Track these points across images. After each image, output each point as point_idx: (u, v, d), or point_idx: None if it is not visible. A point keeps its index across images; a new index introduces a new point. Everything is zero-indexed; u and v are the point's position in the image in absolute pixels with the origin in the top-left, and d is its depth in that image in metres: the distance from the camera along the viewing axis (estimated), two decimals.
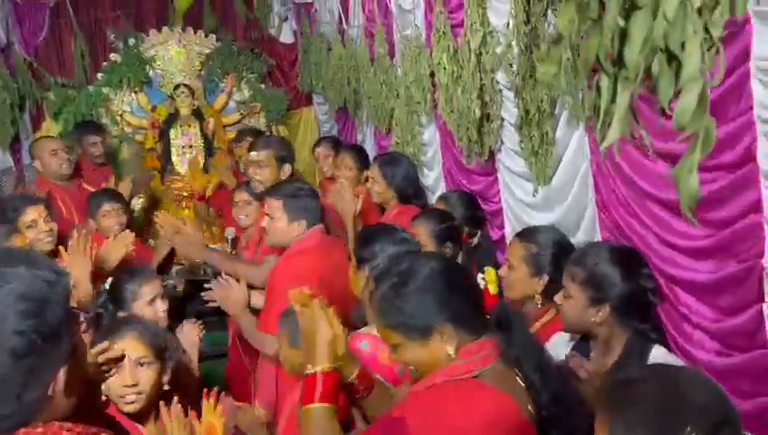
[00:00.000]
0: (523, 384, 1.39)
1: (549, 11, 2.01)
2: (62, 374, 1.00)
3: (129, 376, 1.76)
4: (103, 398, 1.77)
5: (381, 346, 1.84)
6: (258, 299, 2.73)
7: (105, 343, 1.61)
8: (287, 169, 3.10)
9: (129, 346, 1.79)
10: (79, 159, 4.12)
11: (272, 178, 3.08)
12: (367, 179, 3.52)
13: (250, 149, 3.25)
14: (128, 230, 2.99)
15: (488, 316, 1.47)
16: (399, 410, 1.33)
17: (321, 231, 2.69)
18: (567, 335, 1.88)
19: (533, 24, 2.06)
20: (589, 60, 0.88)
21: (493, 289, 1.49)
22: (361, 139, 4.72)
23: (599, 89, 0.91)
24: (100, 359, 1.61)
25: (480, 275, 1.51)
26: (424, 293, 1.39)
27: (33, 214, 2.79)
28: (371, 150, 4.32)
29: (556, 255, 2.16)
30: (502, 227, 2.98)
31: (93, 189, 3.91)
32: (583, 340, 1.90)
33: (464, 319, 1.39)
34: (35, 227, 2.75)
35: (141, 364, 1.80)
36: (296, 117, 6.11)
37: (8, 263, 0.98)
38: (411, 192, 3.29)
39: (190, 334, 2.36)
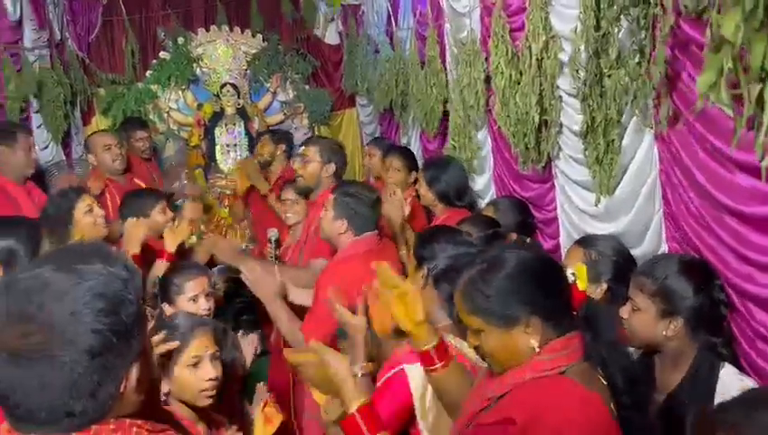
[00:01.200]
0: (605, 383, 1.38)
1: (622, 16, 1.95)
2: (133, 372, 1.00)
3: (214, 370, 1.83)
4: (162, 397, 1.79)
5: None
6: (298, 296, 2.72)
7: (176, 342, 1.64)
8: (331, 168, 3.14)
9: (207, 342, 1.86)
10: (126, 154, 4.18)
11: (314, 174, 3.14)
12: (416, 181, 3.53)
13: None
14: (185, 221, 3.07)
15: (575, 312, 1.45)
16: (498, 409, 1.33)
17: (373, 237, 2.68)
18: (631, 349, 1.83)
19: (606, 30, 2.00)
20: (755, 68, 0.83)
21: (582, 285, 1.45)
22: (406, 141, 4.70)
23: (759, 100, 0.86)
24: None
25: (570, 271, 1.47)
26: (512, 280, 1.38)
27: (87, 200, 2.86)
28: (417, 154, 4.29)
29: (616, 263, 2.13)
30: (555, 235, 2.92)
31: (143, 184, 3.98)
32: (646, 354, 1.85)
33: (550, 313, 1.37)
34: (92, 212, 2.81)
35: (216, 358, 1.87)
36: (338, 118, 6.12)
37: (84, 259, 0.98)
38: (452, 195, 3.27)
39: (251, 344, 2.39)
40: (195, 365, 1.82)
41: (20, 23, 4.30)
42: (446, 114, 3.73)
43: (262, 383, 2.12)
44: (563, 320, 1.39)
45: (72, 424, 0.95)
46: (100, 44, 5.54)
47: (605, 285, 2.10)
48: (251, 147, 5.60)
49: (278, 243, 3.67)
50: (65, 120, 4.79)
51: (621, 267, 2.11)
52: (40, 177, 4.01)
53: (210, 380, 1.82)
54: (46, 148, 4.55)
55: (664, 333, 1.73)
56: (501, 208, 3.01)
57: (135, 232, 2.83)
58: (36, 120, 4.48)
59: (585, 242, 2.23)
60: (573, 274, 1.45)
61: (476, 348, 1.46)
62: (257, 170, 4.55)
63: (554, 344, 1.36)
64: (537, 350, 1.35)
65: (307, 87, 5.87)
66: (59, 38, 5.03)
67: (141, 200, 3.18)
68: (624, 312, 1.81)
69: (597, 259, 2.12)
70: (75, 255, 1.00)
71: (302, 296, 2.69)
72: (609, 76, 2.08)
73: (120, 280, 0.98)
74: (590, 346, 1.40)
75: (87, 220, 2.76)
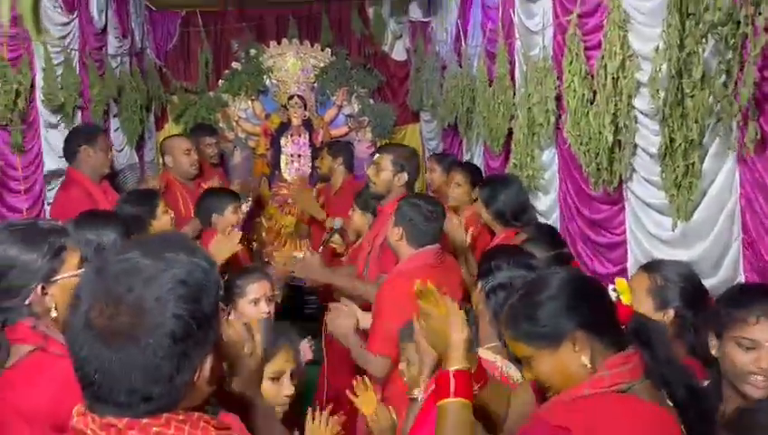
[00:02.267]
0: (670, 403, 1.34)
1: (709, 34, 1.88)
2: (207, 362, 1.01)
3: (291, 387, 1.87)
4: None
5: (490, 370, 1.78)
6: (368, 322, 2.73)
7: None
8: (403, 177, 3.16)
9: (289, 357, 1.89)
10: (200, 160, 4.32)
11: (386, 181, 3.17)
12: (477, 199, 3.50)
13: (374, 153, 3.46)
14: (237, 229, 3.11)
15: (623, 328, 1.41)
16: (551, 416, 1.29)
17: (434, 252, 2.67)
18: None
19: (691, 49, 1.94)
20: None
21: (626, 299, 1.41)
22: (469, 158, 4.67)
23: None
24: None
25: (611, 287, 1.43)
26: (553, 299, 1.37)
27: (163, 200, 3.11)
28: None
29: (685, 289, 2.01)
30: (620, 261, 2.82)
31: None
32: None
33: (596, 327, 1.35)
34: (169, 214, 3.02)
35: (292, 375, 1.89)
36: (402, 133, 6.17)
37: (169, 248, 1.01)
38: (509, 214, 3.22)
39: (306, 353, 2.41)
40: (276, 379, 1.84)
41: (104, 30, 4.51)
42: (511, 132, 3.70)
43: (340, 416, 2.12)
44: (612, 335, 1.36)
45: (147, 409, 0.97)
46: (176, 54, 5.79)
47: (672, 312, 2.00)
48: (314, 158, 5.70)
49: (340, 232, 3.71)
50: (140, 125, 4.99)
51: (690, 294, 2.01)
52: (111, 177, 4.17)
53: (287, 396, 1.84)
54: (121, 150, 4.73)
55: None
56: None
57: (222, 248, 2.91)
58: (113, 123, 4.67)
59: (650, 267, 2.10)
60: (615, 289, 1.40)
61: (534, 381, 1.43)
62: (313, 200, 4.63)
63: (614, 359, 1.32)
64: (589, 366, 1.32)
65: (372, 101, 5.94)
66: (139, 46, 5.26)
67: (219, 199, 3.37)
68: (754, 362, 1.59)
69: (663, 285, 2.02)
70: (161, 243, 1.03)
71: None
72: (692, 97, 2.01)
73: (201, 270, 1.01)
74: (649, 364, 1.36)
75: (166, 219, 2.96)
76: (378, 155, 3.24)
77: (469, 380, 1.49)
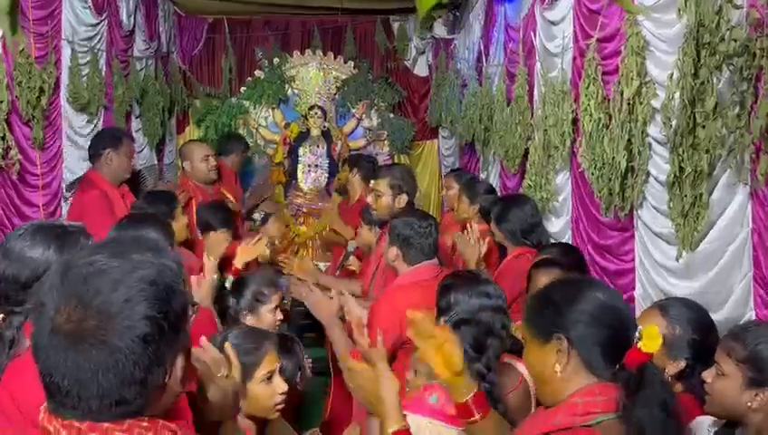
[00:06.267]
0: None
1: (724, 65, 1.86)
2: (179, 363, 0.99)
3: (283, 385, 1.87)
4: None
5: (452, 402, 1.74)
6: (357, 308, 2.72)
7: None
8: (403, 199, 3.15)
9: (275, 356, 1.89)
10: (220, 165, 4.36)
11: (387, 205, 3.17)
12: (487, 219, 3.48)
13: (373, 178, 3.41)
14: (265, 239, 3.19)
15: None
16: None
17: (431, 267, 2.65)
18: (709, 419, 1.70)
19: (705, 78, 1.92)
20: None
21: (647, 346, 1.33)
22: (486, 176, 4.66)
23: None
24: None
25: (639, 327, 1.37)
26: (567, 303, 1.39)
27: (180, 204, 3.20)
28: (496, 189, 4.24)
29: (697, 341, 1.89)
30: (627, 288, 2.78)
31: (229, 194, 4.15)
32: (728, 426, 1.71)
33: (586, 347, 1.35)
34: (183, 215, 3.10)
35: (281, 371, 1.91)
36: (419, 148, 6.18)
37: (136, 249, 0.98)
38: (519, 233, 3.21)
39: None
40: (268, 380, 1.84)
41: (132, 33, 4.59)
42: (527, 152, 3.68)
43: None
44: (603, 364, 1.34)
45: (120, 412, 0.94)
46: (201, 59, 5.88)
47: (683, 363, 1.86)
48: (331, 169, 5.72)
49: (347, 256, 3.72)
50: (162, 127, 5.05)
51: (701, 346, 1.87)
52: (131, 179, 4.21)
53: (282, 393, 1.85)
54: (141, 151, 4.79)
55: (749, 404, 1.58)
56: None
57: (218, 246, 2.97)
58: (135, 124, 4.74)
59: (666, 310, 1.91)
60: (640, 332, 1.34)
61: None
62: (339, 220, 4.64)
63: (591, 388, 1.33)
64: (559, 375, 1.34)
65: (392, 115, 5.96)
66: (165, 50, 5.34)
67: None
68: (707, 376, 1.67)
69: (674, 334, 1.83)
70: (128, 244, 1.00)
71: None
72: (704, 126, 1.99)
73: (170, 271, 0.98)
74: (631, 409, 1.30)
75: (183, 222, 3.02)
76: (373, 182, 3.20)
77: None
